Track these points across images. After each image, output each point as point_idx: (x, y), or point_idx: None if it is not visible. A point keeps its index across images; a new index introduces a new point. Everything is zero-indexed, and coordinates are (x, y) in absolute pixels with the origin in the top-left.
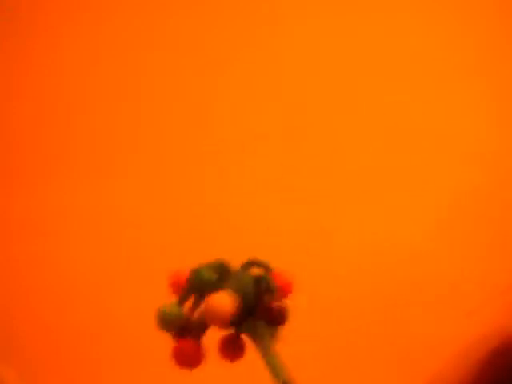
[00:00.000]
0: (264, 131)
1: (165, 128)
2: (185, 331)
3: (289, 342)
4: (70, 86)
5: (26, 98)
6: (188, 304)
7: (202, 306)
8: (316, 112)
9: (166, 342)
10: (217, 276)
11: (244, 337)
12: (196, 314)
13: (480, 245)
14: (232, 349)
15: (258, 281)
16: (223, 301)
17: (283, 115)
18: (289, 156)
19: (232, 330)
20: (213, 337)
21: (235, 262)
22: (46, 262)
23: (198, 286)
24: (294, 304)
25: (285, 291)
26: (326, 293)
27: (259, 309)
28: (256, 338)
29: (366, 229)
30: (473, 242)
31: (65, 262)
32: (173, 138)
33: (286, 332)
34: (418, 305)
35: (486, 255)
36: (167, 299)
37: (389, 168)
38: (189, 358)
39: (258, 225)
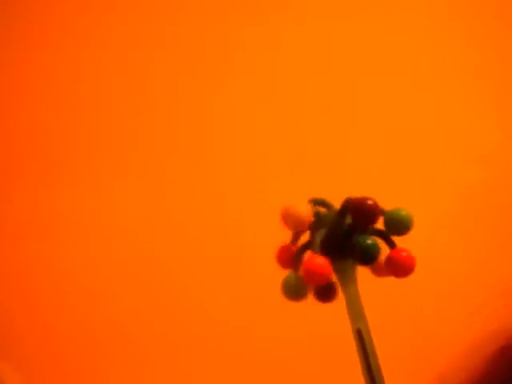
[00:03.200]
0: (266, 132)
1: (165, 130)
2: None
3: (288, 340)
4: (70, 87)
5: (25, 99)
6: None
7: None
8: (318, 112)
9: (165, 343)
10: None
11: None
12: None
13: (482, 244)
14: (326, 293)
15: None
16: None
17: (286, 116)
18: (291, 157)
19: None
20: None
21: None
22: (46, 262)
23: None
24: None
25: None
26: None
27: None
28: (344, 278)
29: None
30: (475, 241)
31: (65, 262)
32: (173, 140)
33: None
34: (420, 304)
35: (488, 254)
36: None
37: (389, 169)
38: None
39: (259, 226)
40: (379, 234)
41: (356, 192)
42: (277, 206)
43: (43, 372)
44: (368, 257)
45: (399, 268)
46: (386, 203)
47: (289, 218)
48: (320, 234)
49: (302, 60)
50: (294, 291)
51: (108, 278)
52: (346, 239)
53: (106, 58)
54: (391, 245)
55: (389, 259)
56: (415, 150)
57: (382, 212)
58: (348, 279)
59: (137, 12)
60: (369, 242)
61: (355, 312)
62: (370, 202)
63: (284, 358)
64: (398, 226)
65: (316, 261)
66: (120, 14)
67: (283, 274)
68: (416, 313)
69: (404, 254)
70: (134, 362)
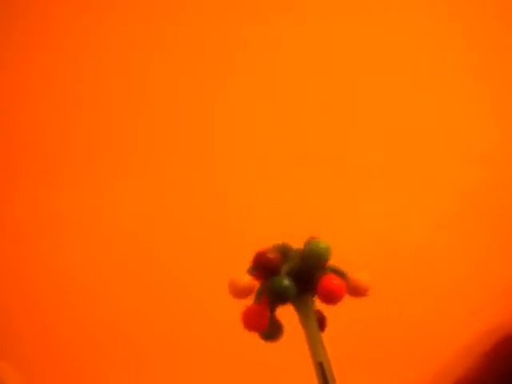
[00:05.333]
0: (266, 132)
1: (165, 130)
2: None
3: (288, 340)
4: (70, 87)
5: (25, 99)
6: None
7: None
8: (318, 112)
9: (165, 343)
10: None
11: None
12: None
13: (482, 244)
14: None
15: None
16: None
17: (286, 116)
18: (292, 157)
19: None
20: None
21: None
22: (46, 262)
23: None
24: None
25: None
26: None
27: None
28: (304, 314)
29: (369, 228)
30: (475, 241)
31: (65, 262)
32: (173, 140)
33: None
34: (420, 304)
35: (488, 254)
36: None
37: (391, 169)
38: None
39: (259, 226)
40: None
41: (360, 193)
42: (277, 207)
43: (43, 372)
44: (282, 298)
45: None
46: (388, 203)
47: (232, 291)
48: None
49: (302, 60)
50: (267, 335)
51: (108, 277)
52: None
53: (106, 58)
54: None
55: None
56: (415, 150)
57: (279, 261)
58: (305, 315)
59: (137, 12)
60: (285, 283)
61: (315, 346)
62: (269, 256)
63: (284, 358)
64: (316, 258)
65: (246, 311)
66: (120, 14)
67: None
68: (416, 313)
69: (335, 281)
70: (134, 361)
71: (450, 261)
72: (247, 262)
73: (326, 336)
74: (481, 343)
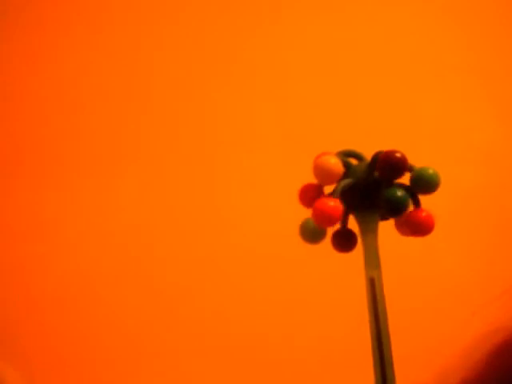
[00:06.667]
0: (267, 133)
1: (165, 130)
2: None
3: (289, 340)
4: (70, 87)
5: (25, 99)
6: None
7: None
8: (317, 113)
9: (165, 343)
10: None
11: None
12: None
13: (483, 244)
14: (342, 241)
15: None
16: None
17: (287, 117)
18: (292, 159)
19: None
20: None
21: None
22: (46, 262)
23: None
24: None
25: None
26: (330, 290)
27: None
28: (365, 228)
29: None
30: (475, 241)
31: (65, 262)
32: (173, 140)
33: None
34: (420, 304)
35: (489, 254)
36: None
37: None
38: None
39: (257, 225)
40: (406, 190)
41: None
42: (278, 208)
43: (43, 372)
44: (395, 209)
45: (417, 227)
46: None
47: (319, 171)
48: (344, 183)
49: (303, 61)
50: (310, 233)
51: (108, 278)
52: (373, 191)
53: (106, 58)
54: (417, 203)
55: (409, 218)
56: (415, 149)
57: (410, 168)
58: (369, 229)
59: (138, 12)
60: (399, 194)
61: (371, 261)
62: (398, 155)
63: (284, 359)
64: (425, 184)
65: (326, 202)
66: (120, 14)
67: (283, 281)
68: (416, 313)
69: (424, 214)
70: (134, 362)
71: (450, 261)
72: (247, 261)
73: (327, 336)
74: (483, 343)
